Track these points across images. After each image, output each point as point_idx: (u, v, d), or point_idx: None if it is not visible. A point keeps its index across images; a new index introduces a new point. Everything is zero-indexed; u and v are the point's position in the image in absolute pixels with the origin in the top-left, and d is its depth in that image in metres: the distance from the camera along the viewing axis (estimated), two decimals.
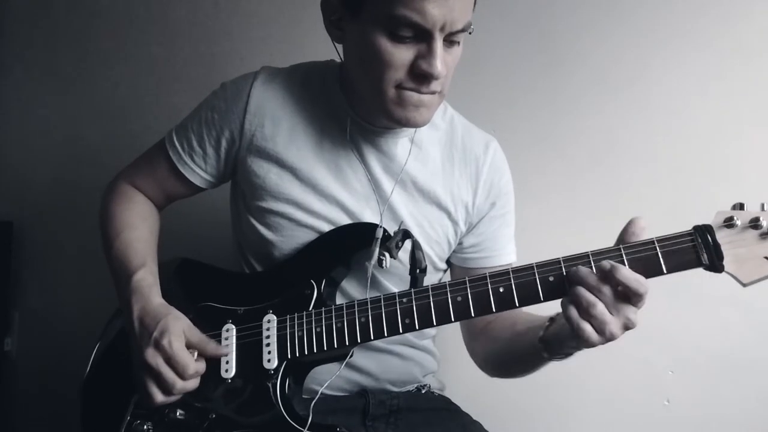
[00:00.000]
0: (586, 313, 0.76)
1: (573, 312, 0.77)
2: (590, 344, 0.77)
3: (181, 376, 0.89)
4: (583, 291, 0.77)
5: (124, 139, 1.70)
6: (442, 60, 0.87)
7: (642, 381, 1.43)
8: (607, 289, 0.76)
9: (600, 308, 0.75)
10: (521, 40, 1.52)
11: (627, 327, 0.76)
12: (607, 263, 0.77)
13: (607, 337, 0.76)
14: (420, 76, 0.88)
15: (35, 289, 1.80)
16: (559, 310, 0.85)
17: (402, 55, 0.87)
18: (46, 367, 1.75)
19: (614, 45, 1.47)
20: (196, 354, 0.92)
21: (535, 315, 0.96)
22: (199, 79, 1.66)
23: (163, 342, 0.88)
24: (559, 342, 0.85)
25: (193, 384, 0.91)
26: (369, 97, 0.95)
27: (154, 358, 0.88)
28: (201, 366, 0.92)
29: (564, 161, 1.49)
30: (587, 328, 0.76)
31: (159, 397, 0.90)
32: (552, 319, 0.88)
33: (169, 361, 0.88)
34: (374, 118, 1.02)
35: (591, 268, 0.79)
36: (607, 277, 0.76)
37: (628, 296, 0.76)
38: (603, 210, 1.45)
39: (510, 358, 1.01)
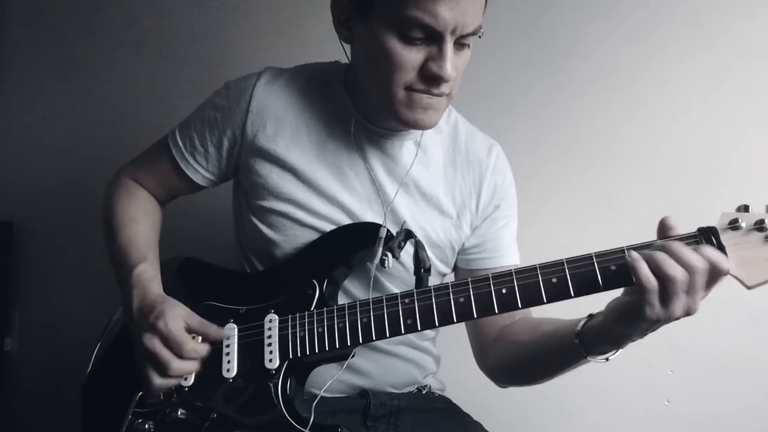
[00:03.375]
0: (662, 274, 0.71)
1: (643, 266, 0.72)
2: (650, 312, 0.72)
3: (178, 354, 0.89)
4: (661, 254, 0.72)
5: (125, 138, 1.70)
6: (453, 63, 0.87)
7: (642, 381, 1.43)
8: (700, 265, 0.71)
9: (682, 275, 0.71)
10: (521, 41, 1.52)
11: (689, 312, 0.73)
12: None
13: (668, 312, 0.72)
14: (430, 78, 0.88)
15: (35, 289, 1.80)
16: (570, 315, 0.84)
17: (412, 56, 0.87)
18: (46, 367, 1.74)
19: (615, 45, 1.47)
20: (200, 339, 0.92)
21: (561, 318, 0.93)
22: (202, 78, 1.66)
23: (159, 324, 0.88)
24: (602, 332, 0.81)
25: (191, 366, 0.91)
26: (377, 98, 0.95)
27: (150, 340, 0.89)
28: (201, 347, 0.92)
29: (565, 162, 1.49)
30: (653, 285, 0.72)
31: (157, 380, 0.89)
32: (591, 315, 0.85)
33: (165, 341, 0.89)
34: (379, 120, 1.02)
35: (595, 269, 0.79)
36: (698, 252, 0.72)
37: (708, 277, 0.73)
38: (605, 211, 1.45)
39: (534, 362, 0.98)
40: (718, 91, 1.42)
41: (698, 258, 0.72)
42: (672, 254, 0.73)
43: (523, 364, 1.01)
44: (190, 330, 0.92)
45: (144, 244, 1.03)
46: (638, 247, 0.78)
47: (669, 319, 0.74)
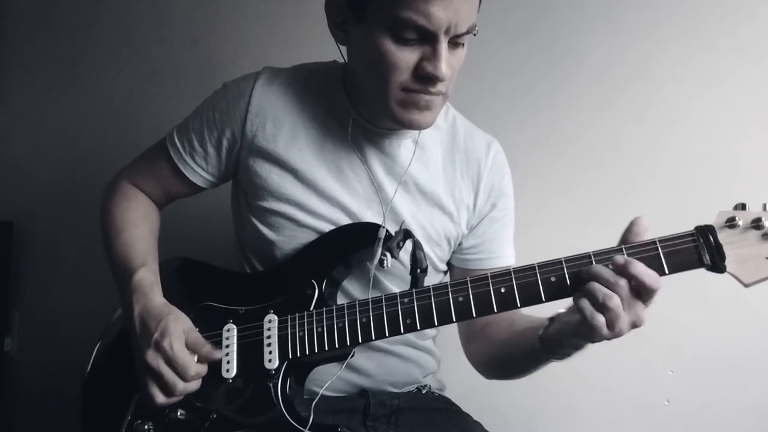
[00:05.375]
0: (602, 306, 0.75)
1: (587, 304, 0.77)
2: (598, 338, 0.77)
3: (182, 377, 0.89)
4: (598, 285, 0.77)
5: (125, 139, 1.70)
6: (447, 62, 0.87)
7: (642, 381, 1.43)
8: (623, 283, 0.76)
9: (616, 301, 0.75)
10: (522, 41, 1.52)
11: (635, 324, 0.77)
12: (621, 258, 0.77)
13: (615, 333, 0.76)
14: (425, 78, 0.88)
15: (35, 289, 1.80)
16: (558, 310, 0.85)
17: (407, 57, 0.87)
18: (46, 367, 1.74)
19: (615, 45, 1.47)
20: (196, 357, 0.92)
21: (533, 316, 0.96)
22: (200, 78, 1.66)
23: (164, 343, 0.88)
24: (559, 341, 0.86)
25: (194, 385, 0.91)
26: (373, 98, 0.95)
27: (154, 359, 0.89)
28: (202, 368, 0.92)
29: (564, 162, 1.49)
30: (600, 320, 0.76)
31: (160, 398, 0.90)
32: (552, 319, 0.88)
33: (170, 362, 0.89)
34: (377, 119, 1.02)
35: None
36: (622, 271, 0.76)
37: (639, 292, 0.76)
38: (604, 210, 1.45)
39: (508, 359, 1.01)
40: (718, 91, 1.42)
41: (616, 277, 0.76)
42: (597, 278, 0.77)
43: (499, 360, 1.05)
44: (186, 347, 0.91)
45: (143, 249, 1.03)
46: (574, 259, 0.81)
47: (617, 336, 0.77)
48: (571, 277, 0.81)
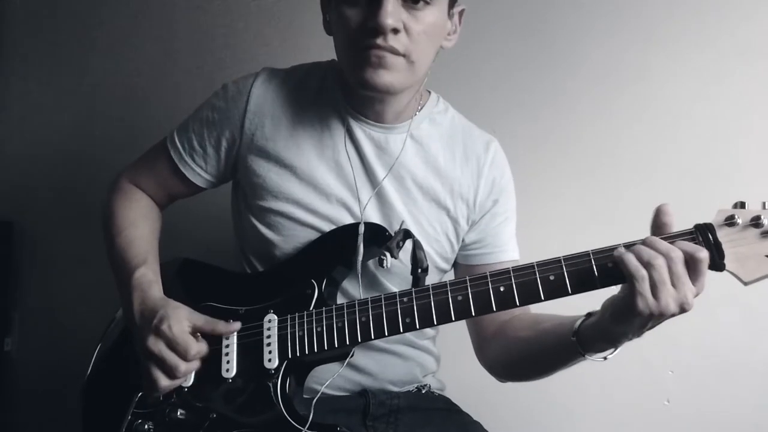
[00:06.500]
0: (647, 264, 0.74)
1: (631, 257, 0.75)
2: (643, 305, 0.74)
3: (183, 357, 0.90)
4: (645, 247, 0.75)
5: (125, 139, 1.70)
6: (393, 14, 0.88)
7: (642, 381, 1.43)
8: (675, 254, 0.74)
9: (660, 261, 0.73)
10: (522, 41, 1.52)
11: (683, 307, 0.74)
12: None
13: (661, 305, 0.73)
14: (370, 30, 0.89)
15: (35, 289, 1.80)
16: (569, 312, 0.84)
17: (355, 15, 0.91)
18: (46, 367, 1.74)
19: (615, 45, 1.47)
20: (199, 336, 0.93)
21: (559, 315, 0.94)
22: (201, 79, 1.67)
23: (163, 327, 0.90)
24: (599, 330, 0.82)
25: (195, 365, 0.92)
26: (345, 70, 0.98)
27: (155, 344, 0.90)
28: (203, 347, 0.93)
29: (564, 162, 1.49)
30: (643, 274, 0.73)
31: (164, 381, 0.90)
32: (590, 314, 0.86)
33: (170, 344, 0.90)
34: (371, 113, 1.03)
35: (592, 266, 0.80)
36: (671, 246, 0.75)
37: (689, 265, 0.74)
38: (604, 210, 1.45)
39: (533, 358, 0.99)
40: (719, 91, 1.42)
41: (673, 247, 0.75)
42: (650, 245, 0.76)
43: (522, 360, 1.02)
44: (196, 329, 0.93)
45: (143, 248, 1.03)
46: (631, 244, 0.79)
47: (663, 314, 0.74)
48: (570, 276, 0.81)
